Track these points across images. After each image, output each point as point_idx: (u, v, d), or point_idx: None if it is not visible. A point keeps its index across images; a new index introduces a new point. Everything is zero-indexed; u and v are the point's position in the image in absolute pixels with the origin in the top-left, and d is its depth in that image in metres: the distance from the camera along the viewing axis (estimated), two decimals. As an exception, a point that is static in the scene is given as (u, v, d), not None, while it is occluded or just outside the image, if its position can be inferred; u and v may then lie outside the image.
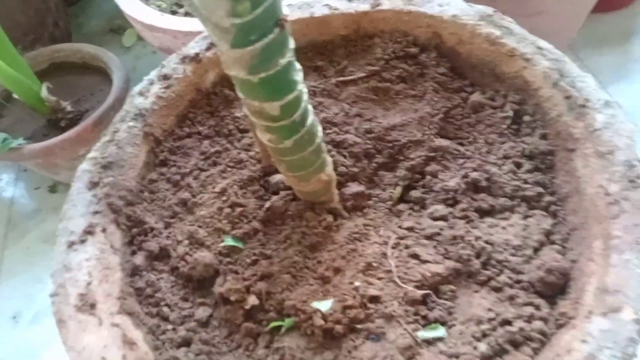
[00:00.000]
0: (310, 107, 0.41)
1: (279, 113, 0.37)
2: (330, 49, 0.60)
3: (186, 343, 0.41)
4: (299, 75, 0.36)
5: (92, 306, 0.38)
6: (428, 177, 0.52)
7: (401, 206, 0.51)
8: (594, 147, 0.44)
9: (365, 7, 0.58)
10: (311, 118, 0.40)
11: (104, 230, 0.44)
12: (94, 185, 0.45)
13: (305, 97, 0.38)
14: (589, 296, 0.38)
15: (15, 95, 0.96)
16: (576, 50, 1.15)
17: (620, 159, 0.42)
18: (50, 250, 0.49)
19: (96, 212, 0.44)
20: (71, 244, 0.42)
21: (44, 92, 0.94)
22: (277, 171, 0.51)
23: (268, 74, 0.33)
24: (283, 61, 0.33)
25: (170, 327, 0.42)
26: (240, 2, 0.28)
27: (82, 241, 0.42)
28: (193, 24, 0.79)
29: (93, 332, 0.37)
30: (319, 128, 0.43)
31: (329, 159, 0.47)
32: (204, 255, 0.45)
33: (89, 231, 0.43)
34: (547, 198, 0.47)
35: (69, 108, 0.97)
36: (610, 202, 0.41)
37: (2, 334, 0.90)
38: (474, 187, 0.50)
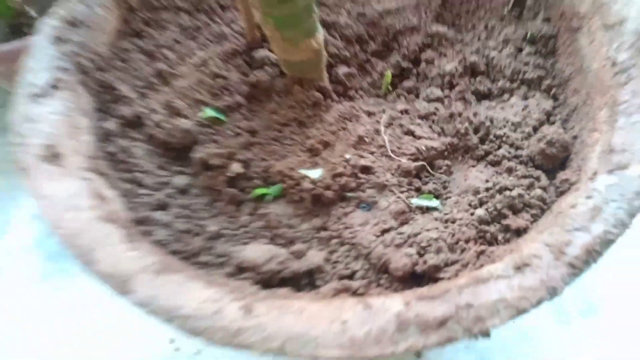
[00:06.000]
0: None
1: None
2: None
3: (163, 207, 0.38)
4: None
5: (58, 157, 0.34)
6: (423, 65, 0.49)
7: (393, 95, 0.49)
8: (602, 21, 0.41)
9: None
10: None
11: (71, 89, 0.39)
12: (59, 40, 0.41)
13: None
14: (594, 160, 0.36)
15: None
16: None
17: (630, 28, 0.39)
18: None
19: (62, 69, 0.40)
20: (34, 97, 0.37)
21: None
22: (262, 47, 0.47)
23: None
24: None
25: (145, 191, 0.39)
26: None
27: (47, 95, 0.38)
28: None
29: (61, 181, 0.33)
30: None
31: (320, 27, 0.44)
32: (183, 122, 0.41)
33: (54, 85, 0.38)
34: (548, 81, 0.45)
35: (32, 13, 0.90)
36: (618, 72, 0.39)
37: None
38: (472, 71, 0.47)
